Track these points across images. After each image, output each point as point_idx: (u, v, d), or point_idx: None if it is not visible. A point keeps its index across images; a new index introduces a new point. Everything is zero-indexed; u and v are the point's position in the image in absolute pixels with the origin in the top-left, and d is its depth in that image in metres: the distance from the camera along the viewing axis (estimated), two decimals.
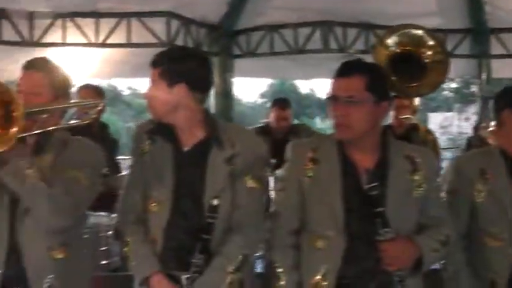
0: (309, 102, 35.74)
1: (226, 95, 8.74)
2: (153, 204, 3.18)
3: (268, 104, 8.53)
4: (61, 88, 3.21)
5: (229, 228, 3.12)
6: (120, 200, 3.33)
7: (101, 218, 5.08)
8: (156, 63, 3.08)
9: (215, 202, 3.08)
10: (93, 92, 5.51)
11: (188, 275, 3.09)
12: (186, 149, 3.14)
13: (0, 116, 2.85)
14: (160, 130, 3.17)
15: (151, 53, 7.17)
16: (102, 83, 28.77)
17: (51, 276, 3.07)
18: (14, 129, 2.80)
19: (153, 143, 3.18)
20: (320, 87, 45.56)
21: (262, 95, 37.06)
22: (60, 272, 3.11)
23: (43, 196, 2.94)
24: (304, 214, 3.11)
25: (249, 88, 49.29)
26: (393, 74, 3.31)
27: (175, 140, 3.15)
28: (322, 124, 32.23)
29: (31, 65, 3.19)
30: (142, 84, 33.45)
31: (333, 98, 3.00)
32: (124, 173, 5.69)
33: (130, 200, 3.26)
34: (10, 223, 3.08)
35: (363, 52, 8.18)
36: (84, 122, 3.31)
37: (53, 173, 3.00)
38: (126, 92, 36.28)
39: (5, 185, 3.03)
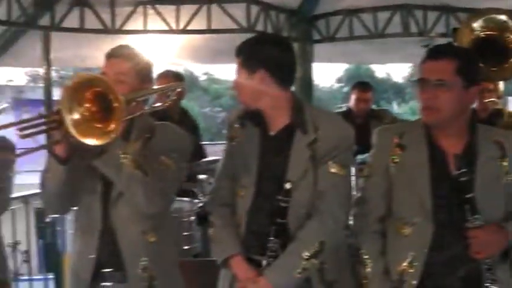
0: (386, 87, 35.38)
1: (306, 80, 8.70)
2: (240, 189, 3.25)
3: (345, 89, 8.49)
4: (145, 75, 3.25)
5: (309, 214, 3.13)
6: (213, 182, 3.43)
7: (183, 203, 5.14)
8: (238, 52, 3.13)
9: (288, 186, 3.09)
10: (174, 78, 5.56)
11: (266, 260, 3.13)
12: (272, 133, 3.18)
13: (98, 109, 2.93)
14: (250, 116, 3.21)
15: (229, 38, 7.28)
16: (179, 68, 29.15)
17: (145, 259, 3.16)
18: (115, 121, 2.87)
19: (243, 128, 3.23)
20: (396, 71, 45.16)
21: (339, 80, 36.86)
22: (153, 255, 3.20)
23: (139, 183, 3.02)
24: (390, 200, 3.08)
25: (325, 73, 49.13)
26: (478, 57, 3.26)
27: (263, 125, 3.19)
28: (399, 109, 31.83)
29: (115, 53, 3.23)
30: (219, 69, 33.84)
31: (421, 81, 2.97)
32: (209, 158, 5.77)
33: (220, 183, 3.34)
34: (103, 208, 3.17)
35: (443, 35, 8.02)
36: (166, 105, 3.35)
37: (144, 160, 3.06)
38: (202, 78, 36.52)
39: (98, 172, 3.12)
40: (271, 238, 3.10)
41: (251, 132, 3.22)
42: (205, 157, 5.90)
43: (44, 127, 2.99)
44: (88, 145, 2.94)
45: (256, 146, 3.19)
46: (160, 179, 3.08)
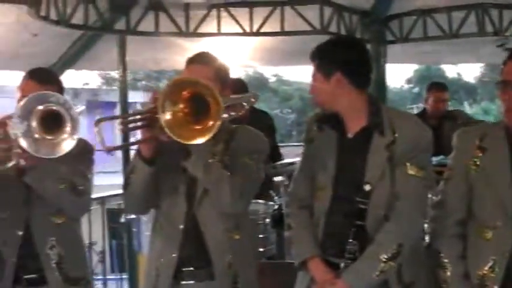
0: (457, 87, 34.82)
1: (379, 82, 8.64)
2: (317, 191, 3.26)
3: (415, 90, 8.39)
4: (224, 80, 3.31)
5: (387, 216, 3.11)
6: (291, 184, 3.46)
7: (258, 205, 5.16)
8: (313, 56, 3.18)
9: (367, 188, 3.10)
10: (240, 85, 5.57)
11: (344, 262, 3.13)
12: (349, 135, 3.19)
13: (193, 110, 3.00)
14: (328, 118, 3.23)
15: (301, 40, 7.26)
16: (249, 70, 29.36)
17: (230, 256, 3.22)
18: (212, 123, 2.93)
19: (321, 131, 3.25)
20: (467, 71, 44.41)
21: (408, 81, 36.45)
22: (237, 253, 3.27)
23: (226, 183, 3.09)
24: (471, 203, 3.05)
25: (395, 74, 48.70)
26: None
27: (340, 128, 3.20)
28: (471, 110, 31.29)
29: (196, 59, 3.32)
30: (288, 71, 33.84)
31: (503, 83, 2.93)
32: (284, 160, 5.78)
33: (298, 185, 3.39)
34: (188, 206, 3.24)
35: None
36: (240, 114, 3.39)
37: (227, 160, 3.13)
38: (272, 80, 36.57)
39: (181, 172, 3.20)
40: (350, 240, 3.11)
41: (328, 135, 3.23)
42: (281, 159, 5.92)
43: (138, 124, 3.07)
44: (178, 145, 3.02)
45: (334, 148, 3.21)
46: (243, 179, 3.15)
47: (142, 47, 7.53)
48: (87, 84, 27.88)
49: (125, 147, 3.23)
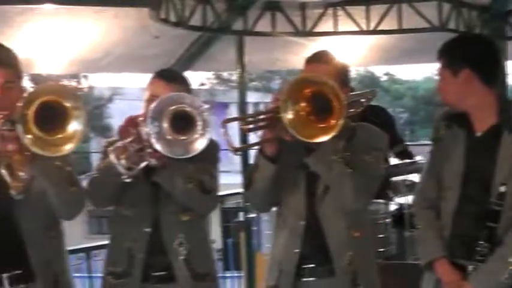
0: None
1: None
2: (444, 191, 3.23)
3: None
4: (344, 78, 3.31)
5: None
6: (417, 184, 3.45)
7: (379, 205, 5.13)
8: (440, 53, 3.16)
9: (502, 189, 3.03)
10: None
11: (473, 266, 3.08)
12: (478, 134, 3.13)
13: (314, 109, 3.01)
14: (456, 117, 3.19)
15: (419, 38, 7.14)
16: (360, 69, 29.14)
17: (350, 253, 3.22)
18: (335, 121, 2.95)
19: (449, 129, 3.21)
20: None
21: None
22: (357, 250, 3.29)
23: (348, 180, 3.10)
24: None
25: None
26: None
27: (468, 126, 3.14)
28: None
29: (316, 58, 3.34)
30: (400, 70, 33.42)
31: None
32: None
33: (425, 185, 3.38)
34: (308, 204, 3.25)
35: None
36: (358, 111, 3.38)
37: (350, 158, 3.13)
38: (383, 78, 36.24)
39: (302, 170, 3.22)
40: (481, 242, 3.05)
41: (456, 134, 3.19)
42: (411, 157, 5.84)
43: (262, 123, 3.11)
44: (299, 142, 3.04)
45: (462, 147, 3.16)
46: (364, 177, 3.14)
47: (258, 47, 7.57)
48: (203, 84, 28.36)
49: (251, 147, 3.26)
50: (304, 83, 3.04)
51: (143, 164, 3.21)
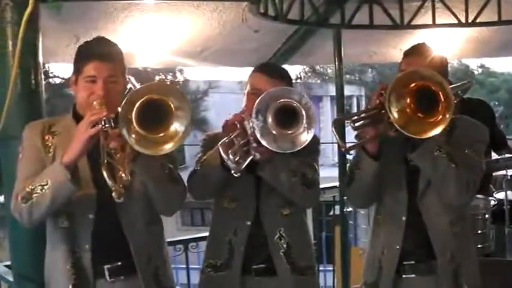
0: None
1: None
2: None
3: None
4: (445, 71, 3.28)
5: None
6: None
7: (478, 200, 5.05)
8: None
9: None
10: None
11: None
12: None
13: (420, 103, 3.00)
14: None
15: None
16: (454, 62, 28.60)
17: (452, 249, 3.22)
18: (442, 116, 2.94)
19: None
20: None
21: None
22: (459, 246, 3.36)
23: (452, 175, 3.08)
24: None
25: None
26: None
27: None
28: None
29: (415, 51, 3.36)
30: (495, 63, 32.65)
31: None
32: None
33: None
34: (409, 199, 3.25)
35: None
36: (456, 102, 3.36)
37: (453, 152, 3.11)
38: (478, 71, 35.49)
39: (403, 165, 3.22)
40: None
41: None
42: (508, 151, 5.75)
43: (368, 121, 3.12)
44: (401, 136, 3.03)
45: None
46: (467, 171, 3.11)
47: (355, 41, 7.53)
48: (300, 78, 28.37)
49: (360, 146, 3.27)
50: (410, 78, 3.02)
51: (249, 159, 3.25)
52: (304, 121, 3.19)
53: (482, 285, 3.44)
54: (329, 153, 20.78)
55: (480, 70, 35.68)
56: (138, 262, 3.30)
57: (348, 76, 30.57)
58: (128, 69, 3.35)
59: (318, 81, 29.93)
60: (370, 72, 32.14)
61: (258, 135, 3.18)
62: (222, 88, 26.34)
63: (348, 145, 3.22)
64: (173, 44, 6.84)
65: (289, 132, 3.20)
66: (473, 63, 34.13)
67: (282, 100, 3.19)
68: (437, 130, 2.96)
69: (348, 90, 25.29)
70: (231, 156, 3.22)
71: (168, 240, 3.89)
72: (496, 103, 32.69)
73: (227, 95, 23.01)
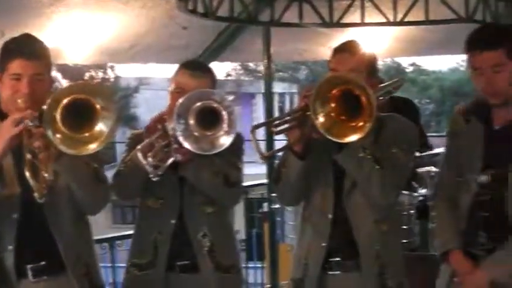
0: None
1: None
2: (463, 182, 3.27)
3: None
4: (372, 68, 3.31)
5: None
6: (435, 177, 3.46)
7: (403, 196, 5.11)
8: (495, 45, 3.07)
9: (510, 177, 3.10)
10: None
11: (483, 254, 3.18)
12: (496, 127, 3.15)
13: (344, 107, 3.02)
14: (475, 110, 3.20)
15: (445, 29, 7.05)
16: (386, 60, 28.97)
17: (378, 247, 3.26)
18: (364, 122, 2.96)
19: (467, 123, 3.22)
20: None
21: None
22: (385, 244, 3.35)
23: (376, 178, 3.10)
24: None
25: None
26: None
27: (487, 119, 3.16)
28: None
29: (343, 49, 3.32)
30: (426, 61, 33.17)
31: None
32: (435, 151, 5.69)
33: (442, 178, 3.44)
34: (336, 197, 3.27)
35: None
36: (386, 99, 3.39)
37: (377, 152, 3.13)
38: (409, 69, 36.00)
39: (330, 165, 3.23)
40: (498, 232, 3.14)
41: (475, 127, 3.23)
42: (431, 148, 5.83)
43: (290, 124, 3.13)
44: (329, 141, 3.05)
45: (481, 141, 3.21)
46: (393, 171, 3.14)
47: (285, 38, 7.57)
48: (229, 75, 28.40)
49: (280, 152, 3.28)
50: (333, 83, 3.04)
51: (170, 161, 3.24)
52: (226, 123, 3.19)
53: (407, 279, 3.49)
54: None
55: (412, 68, 36.20)
56: (67, 261, 3.26)
57: (281, 73, 30.74)
58: (58, 65, 3.31)
59: (252, 78, 30.04)
60: (303, 70, 32.34)
61: (180, 137, 3.17)
62: (153, 85, 26.23)
63: (268, 152, 3.23)
64: (101, 41, 6.78)
65: (210, 133, 3.21)
66: (405, 62, 34.64)
67: (203, 102, 3.19)
68: (359, 135, 2.99)
69: (280, 87, 25.47)
70: (149, 160, 3.20)
71: (94, 238, 3.85)
72: (428, 101, 33.22)
73: (158, 92, 22.89)
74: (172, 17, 6.36)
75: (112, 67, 25.21)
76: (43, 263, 3.24)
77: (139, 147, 3.25)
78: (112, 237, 5.99)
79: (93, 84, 3.15)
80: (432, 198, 3.52)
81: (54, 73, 3.28)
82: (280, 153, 3.42)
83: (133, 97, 28.07)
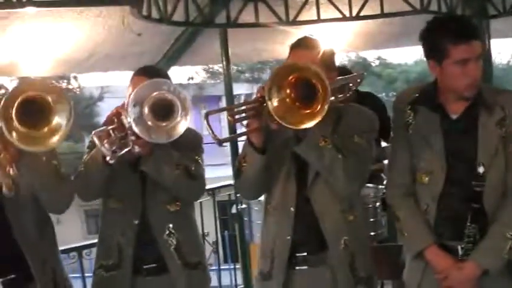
0: None
1: (485, 58, 8.40)
2: (423, 176, 3.22)
3: None
4: (330, 63, 3.30)
5: (505, 193, 3.10)
6: (387, 173, 3.43)
7: (368, 189, 5.11)
8: (477, 34, 3.10)
9: (481, 170, 3.06)
10: (345, 72, 5.52)
11: (463, 245, 3.10)
12: (453, 117, 3.14)
13: (299, 95, 3.01)
14: (424, 100, 3.20)
15: (403, 22, 7.10)
16: (351, 55, 29.08)
17: (346, 238, 3.22)
18: (320, 106, 2.95)
19: (416, 114, 3.21)
20: None
21: None
22: (352, 234, 3.29)
23: (339, 167, 3.09)
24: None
25: (500, 49, 47.23)
26: None
27: (441, 109, 3.15)
28: None
29: (300, 44, 3.32)
30: (391, 54, 33.33)
31: None
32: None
33: (398, 174, 3.36)
34: (298, 188, 3.26)
35: None
36: (347, 95, 3.38)
37: (338, 141, 3.12)
38: (375, 63, 36.11)
39: (292, 156, 3.23)
40: (469, 224, 3.08)
41: (429, 118, 3.20)
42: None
43: (246, 114, 3.12)
44: (288, 131, 3.04)
45: (440, 131, 3.17)
46: (355, 160, 3.13)
47: (243, 39, 7.58)
48: (192, 79, 28.30)
49: (236, 138, 3.27)
50: (288, 70, 3.03)
51: (126, 149, 3.22)
52: (179, 112, 3.19)
53: (376, 270, 3.48)
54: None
55: (377, 62, 36.27)
56: (35, 270, 3.23)
57: (246, 75, 30.74)
58: (18, 78, 3.28)
59: (218, 81, 29.97)
60: (268, 70, 32.31)
61: (135, 128, 3.16)
62: (116, 93, 26.08)
63: (222, 137, 3.20)
64: (59, 51, 6.75)
65: (165, 124, 3.20)
66: (371, 56, 34.73)
67: (156, 92, 3.19)
68: (314, 121, 2.96)
69: (245, 88, 25.45)
70: (106, 145, 3.19)
71: (61, 248, 3.82)
72: (394, 93, 33.31)
73: (122, 99, 22.77)
74: (128, 25, 6.33)
75: (75, 77, 25.04)
76: (13, 276, 3.21)
77: (94, 132, 3.22)
78: (79, 246, 5.87)
79: (40, 81, 3.12)
80: (390, 198, 3.42)
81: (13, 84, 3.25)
82: (237, 140, 3.39)
83: (97, 106, 27.92)
